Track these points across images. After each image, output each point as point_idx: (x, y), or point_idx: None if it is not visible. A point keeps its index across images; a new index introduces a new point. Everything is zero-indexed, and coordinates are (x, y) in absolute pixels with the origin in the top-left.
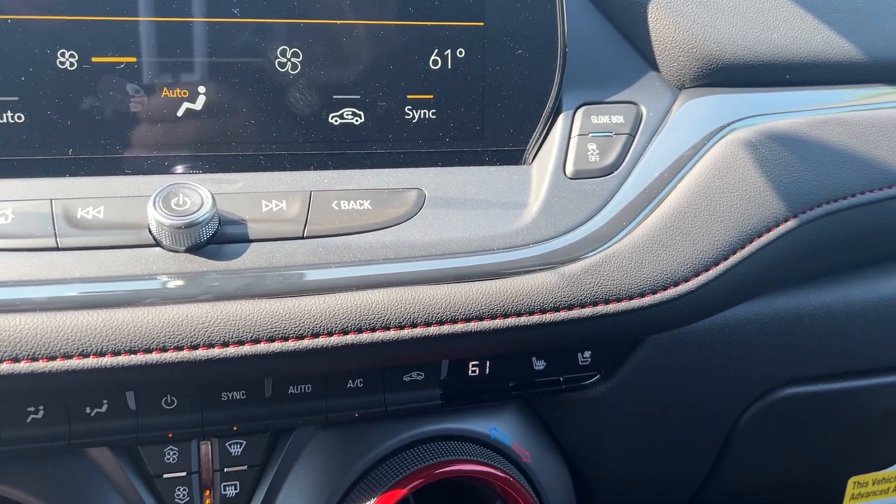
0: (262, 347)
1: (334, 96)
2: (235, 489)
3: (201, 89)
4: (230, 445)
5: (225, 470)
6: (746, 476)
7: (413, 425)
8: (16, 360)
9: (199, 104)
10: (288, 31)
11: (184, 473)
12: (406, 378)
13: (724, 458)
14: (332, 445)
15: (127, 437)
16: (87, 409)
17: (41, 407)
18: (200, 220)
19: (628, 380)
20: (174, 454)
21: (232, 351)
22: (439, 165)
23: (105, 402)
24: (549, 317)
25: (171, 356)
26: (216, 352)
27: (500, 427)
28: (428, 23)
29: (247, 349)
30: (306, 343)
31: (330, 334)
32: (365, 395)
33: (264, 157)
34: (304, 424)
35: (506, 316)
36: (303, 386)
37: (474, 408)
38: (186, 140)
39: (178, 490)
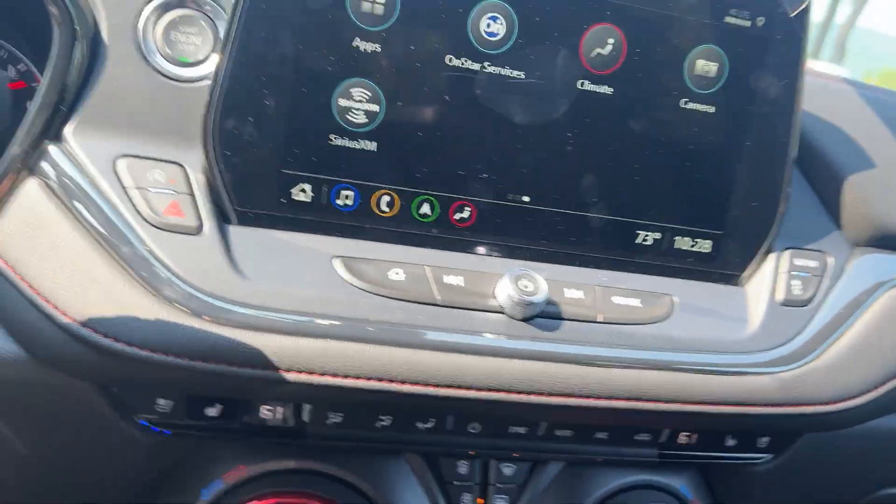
0: (573, 402)
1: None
2: (504, 503)
3: (525, 199)
4: (504, 467)
5: (498, 485)
6: None
7: (631, 473)
8: (419, 383)
9: (531, 203)
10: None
11: (470, 483)
12: (637, 437)
13: None
14: (574, 478)
15: (439, 450)
16: (419, 424)
17: (389, 417)
18: (538, 300)
19: (790, 461)
20: (465, 467)
21: (556, 401)
22: (680, 278)
23: (432, 420)
24: (760, 409)
25: (510, 397)
26: (544, 399)
27: (685, 485)
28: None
29: (559, 401)
30: (602, 403)
31: (618, 399)
32: (607, 446)
33: (562, 255)
34: (560, 460)
35: (737, 405)
36: (567, 431)
37: (666, 466)
38: (517, 233)
39: (464, 496)
